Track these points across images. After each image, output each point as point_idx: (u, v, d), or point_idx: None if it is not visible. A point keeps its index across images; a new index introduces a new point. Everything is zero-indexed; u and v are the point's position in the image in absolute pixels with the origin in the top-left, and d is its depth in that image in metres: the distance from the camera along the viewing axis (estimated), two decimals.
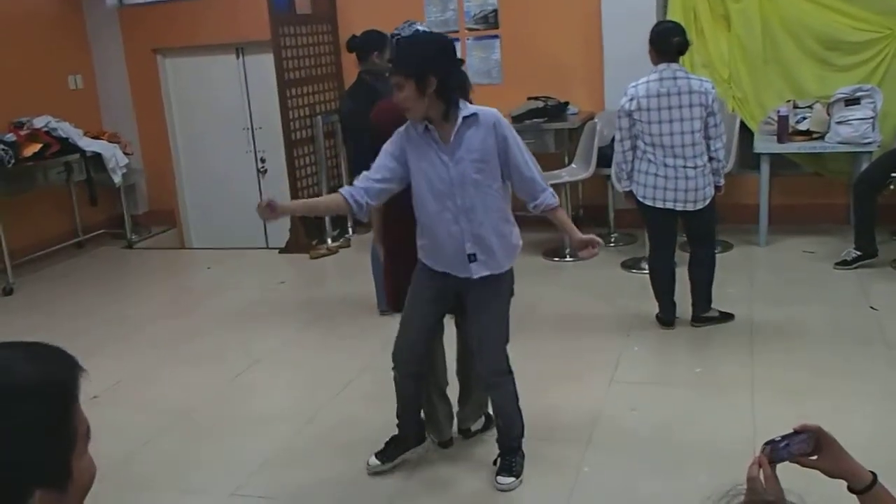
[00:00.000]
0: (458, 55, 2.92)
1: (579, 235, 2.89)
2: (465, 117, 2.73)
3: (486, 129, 2.74)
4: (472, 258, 2.82)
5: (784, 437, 1.36)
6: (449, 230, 2.81)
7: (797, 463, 1.36)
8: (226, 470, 3.29)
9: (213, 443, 3.55)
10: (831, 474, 1.37)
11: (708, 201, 4.16)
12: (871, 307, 4.46)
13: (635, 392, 3.73)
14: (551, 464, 3.15)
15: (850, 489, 1.35)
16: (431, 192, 2.78)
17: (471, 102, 2.83)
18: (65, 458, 0.92)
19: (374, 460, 3.16)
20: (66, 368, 0.95)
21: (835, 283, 4.92)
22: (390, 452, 3.17)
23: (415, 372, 3.07)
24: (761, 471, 1.29)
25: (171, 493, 3.19)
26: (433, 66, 2.65)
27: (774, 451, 1.34)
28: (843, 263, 5.10)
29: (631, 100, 4.09)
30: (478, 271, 2.84)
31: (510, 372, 3.05)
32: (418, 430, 3.22)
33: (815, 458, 1.38)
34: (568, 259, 5.81)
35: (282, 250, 6.61)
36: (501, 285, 2.94)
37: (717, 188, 4.21)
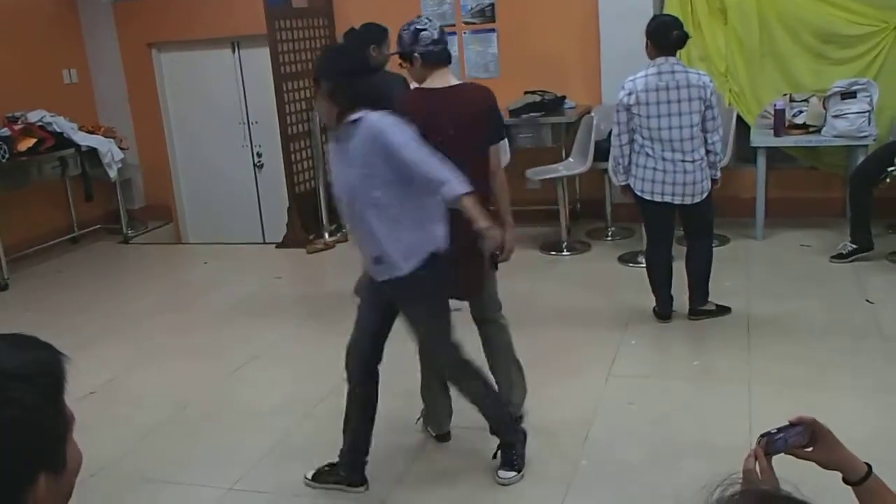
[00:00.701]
0: (363, 65, 2.90)
1: (482, 223, 2.65)
2: (348, 123, 2.71)
3: (366, 137, 2.68)
4: (376, 261, 2.80)
5: (780, 430, 1.36)
6: (357, 233, 2.86)
7: (793, 455, 1.37)
8: (224, 464, 3.29)
9: (212, 437, 3.55)
10: (826, 466, 1.37)
11: (706, 194, 4.17)
12: (867, 300, 4.47)
13: (633, 386, 3.74)
14: (549, 457, 3.16)
15: (846, 481, 1.35)
16: (341, 197, 2.87)
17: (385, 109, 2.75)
18: (62, 443, 0.95)
19: (308, 476, 3.10)
20: (53, 356, 0.98)
21: (831, 276, 4.93)
22: (323, 478, 3.09)
23: (365, 380, 3.01)
24: (757, 463, 1.29)
25: (169, 486, 3.19)
26: (323, 73, 2.81)
27: (770, 444, 1.34)
28: (840, 257, 5.11)
29: (629, 94, 4.09)
30: (381, 275, 2.82)
31: (460, 370, 2.98)
32: (361, 471, 3.06)
33: (810, 450, 1.38)
34: (565, 253, 5.82)
35: (279, 245, 6.61)
36: (408, 290, 2.82)
37: (713, 181, 4.22)
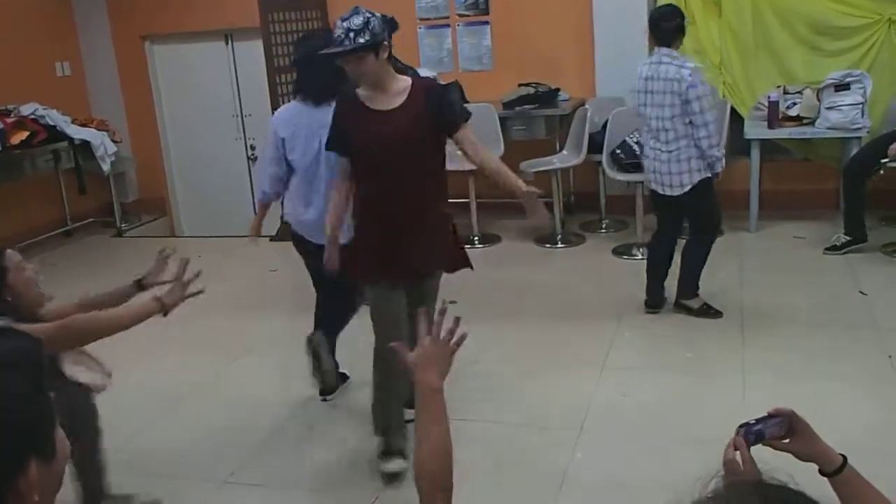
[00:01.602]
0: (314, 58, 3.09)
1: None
2: None
3: None
4: None
5: (758, 421, 1.40)
6: None
7: (770, 446, 1.40)
8: (219, 457, 3.30)
9: (207, 430, 3.54)
10: (803, 457, 1.39)
11: (686, 188, 4.09)
12: (861, 292, 4.48)
13: (627, 378, 3.75)
14: (544, 449, 3.17)
15: (822, 472, 1.37)
16: None
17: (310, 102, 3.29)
18: (50, 429, 0.95)
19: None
20: (33, 343, 0.98)
21: (825, 268, 4.95)
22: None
23: None
24: (738, 453, 1.31)
25: (164, 480, 3.18)
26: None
27: (749, 434, 1.37)
28: (833, 249, 5.12)
29: (638, 79, 4.18)
30: None
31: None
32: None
33: (787, 441, 1.41)
34: (559, 245, 5.82)
35: (272, 238, 6.58)
36: None
37: (712, 175, 4.13)
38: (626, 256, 5.42)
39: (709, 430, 3.16)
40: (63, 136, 6.62)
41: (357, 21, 2.73)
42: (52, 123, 6.57)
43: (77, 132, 6.72)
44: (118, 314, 2.49)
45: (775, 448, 1.39)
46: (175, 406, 3.79)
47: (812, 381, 3.51)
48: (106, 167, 6.86)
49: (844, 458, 1.36)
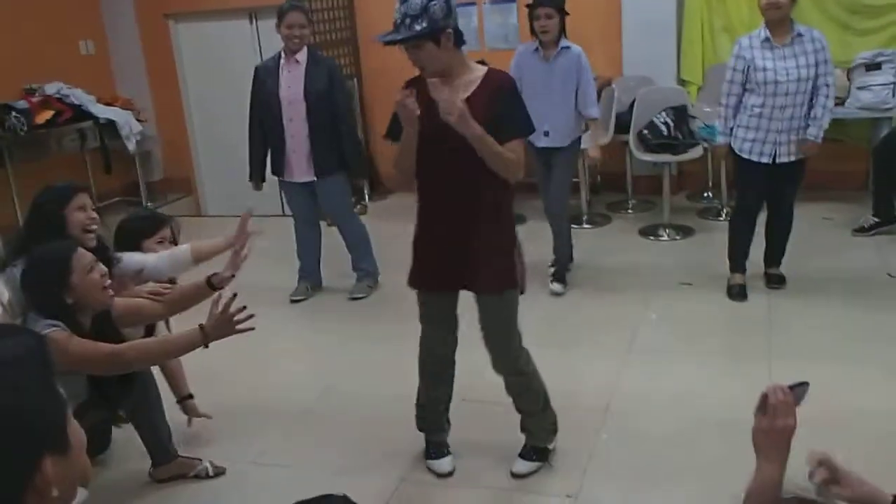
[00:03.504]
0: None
1: None
2: None
3: None
4: None
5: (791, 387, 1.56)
6: None
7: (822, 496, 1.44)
8: (247, 438, 3.33)
9: (235, 412, 3.57)
10: (854, 501, 1.43)
11: None
12: (889, 274, 4.43)
13: (653, 360, 3.74)
14: (570, 431, 3.16)
15: None
16: None
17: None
18: (62, 423, 0.95)
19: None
20: (37, 339, 0.99)
21: (853, 249, 4.90)
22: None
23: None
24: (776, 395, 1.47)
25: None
26: None
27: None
28: (861, 230, 5.07)
29: None
30: None
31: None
32: None
33: (836, 490, 1.45)
34: (586, 226, 5.79)
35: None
36: None
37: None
38: (652, 237, 5.38)
39: (735, 413, 3.13)
40: (88, 116, 6.64)
41: (415, 4, 2.45)
42: (77, 103, 6.59)
43: (102, 111, 6.73)
44: (165, 348, 2.65)
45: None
46: (200, 386, 3.81)
47: (840, 364, 3.48)
48: (131, 146, 6.88)
49: (895, 496, 1.40)
